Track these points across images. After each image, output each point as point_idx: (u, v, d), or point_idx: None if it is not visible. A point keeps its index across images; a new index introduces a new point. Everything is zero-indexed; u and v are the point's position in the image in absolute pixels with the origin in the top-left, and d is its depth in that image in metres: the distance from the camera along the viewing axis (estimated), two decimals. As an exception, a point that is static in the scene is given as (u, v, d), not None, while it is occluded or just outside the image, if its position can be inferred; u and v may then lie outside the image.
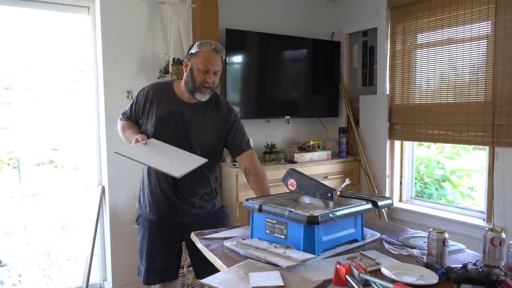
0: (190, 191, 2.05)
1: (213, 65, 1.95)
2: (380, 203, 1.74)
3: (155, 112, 2.01)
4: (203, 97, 1.98)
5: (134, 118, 2.14)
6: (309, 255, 1.49)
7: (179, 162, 1.88)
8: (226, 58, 2.09)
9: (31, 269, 2.94)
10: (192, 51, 1.98)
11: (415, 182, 3.63)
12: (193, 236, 1.85)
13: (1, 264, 2.86)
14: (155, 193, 2.05)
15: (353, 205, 1.66)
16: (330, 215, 1.53)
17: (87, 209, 3.06)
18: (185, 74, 2.01)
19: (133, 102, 2.12)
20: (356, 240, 1.71)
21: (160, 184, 2.04)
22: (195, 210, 2.08)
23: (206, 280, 1.37)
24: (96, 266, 3.06)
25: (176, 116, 2.00)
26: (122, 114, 2.20)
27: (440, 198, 3.67)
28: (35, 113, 2.97)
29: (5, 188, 2.87)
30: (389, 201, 1.81)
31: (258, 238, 1.69)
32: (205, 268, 1.72)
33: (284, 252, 1.52)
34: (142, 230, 2.14)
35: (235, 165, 3.14)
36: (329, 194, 1.60)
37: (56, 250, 3.05)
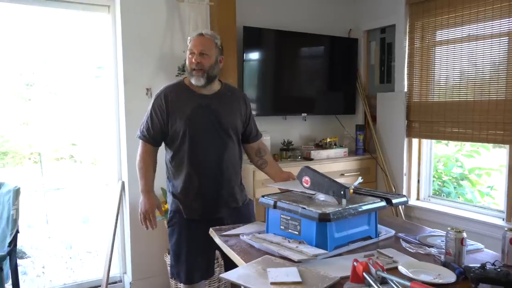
0: (233, 183, 2.13)
1: (196, 45, 2.01)
2: (394, 201, 1.75)
3: (181, 111, 2.02)
4: (198, 81, 2.01)
5: (158, 130, 2.05)
6: (321, 251, 1.52)
7: None
8: (220, 43, 2.08)
9: (54, 261, 3.03)
10: None
11: (433, 181, 3.59)
12: (211, 232, 1.89)
13: (26, 255, 2.96)
14: (201, 192, 2.05)
15: (366, 203, 1.68)
16: (342, 212, 1.55)
17: (107, 203, 3.13)
18: None
19: (151, 115, 2.06)
20: (370, 237, 1.72)
21: (206, 184, 2.05)
22: (234, 203, 2.14)
23: (226, 275, 1.40)
24: (116, 259, 3.13)
25: (203, 109, 2.03)
26: (142, 135, 2.09)
27: (459, 197, 3.63)
28: (55, 108, 3.04)
29: (27, 182, 2.95)
30: (404, 199, 1.81)
31: (273, 233, 1.73)
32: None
33: (297, 247, 1.55)
34: (178, 230, 2.10)
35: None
36: (342, 192, 1.62)
37: (77, 243, 3.13)
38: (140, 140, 2.11)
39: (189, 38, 2.10)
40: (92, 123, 3.16)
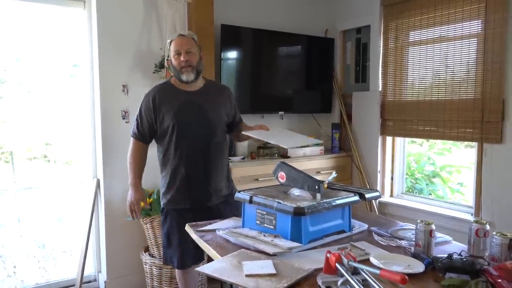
0: (220, 174, 2.26)
1: (181, 45, 2.16)
2: (367, 195, 1.79)
3: (168, 109, 2.16)
4: (188, 77, 2.15)
5: (147, 128, 2.21)
6: (295, 244, 1.55)
7: (289, 140, 2.25)
8: (197, 40, 2.25)
9: (26, 261, 2.96)
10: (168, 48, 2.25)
11: (406, 178, 3.69)
12: (187, 227, 1.90)
13: (-4, 255, 2.88)
14: (189, 183, 2.19)
15: (340, 197, 1.72)
16: (317, 206, 1.58)
17: (82, 202, 3.08)
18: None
19: (140, 114, 2.21)
20: (343, 231, 1.76)
21: (194, 174, 2.19)
22: (221, 193, 2.26)
23: (201, 269, 1.41)
24: (91, 258, 3.08)
25: (189, 104, 2.18)
26: (133, 133, 2.26)
27: (430, 194, 3.73)
28: (28, 107, 2.97)
29: (-2, 182, 2.89)
30: (376, 193, 1.86)
31: (249, 228, 1.75)
32: None
33: (272, 240, 1.58)
34: (170, 219, 2.24)
35: (229, 159, 3.18)
36: (316, 187, 1.66)
37: (51, 242, 3.07)
38: (132, 138, 2.27)
39: (168, 40, 2.24)
40: (67, 122, 3.10)
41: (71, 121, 3.10)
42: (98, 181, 3.01)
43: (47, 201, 3.06)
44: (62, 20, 2.98)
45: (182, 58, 2.13)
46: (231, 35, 3.36)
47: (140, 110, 2.21)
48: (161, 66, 3.00)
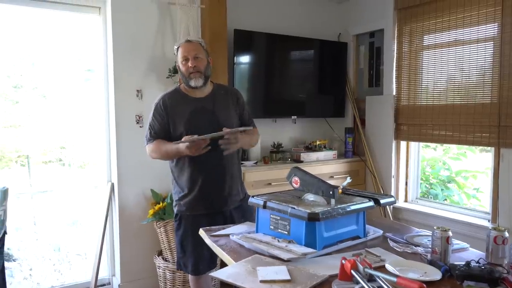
0: (235, 179, 2.25)
1: (188, 51, 2.15)
2: (382, 201, 1.77)
3: (180, 115, 2.15)
4: (197, 82, 2.14)
5: (162, 132, 2.17)
6: (310, 250, 1.54)
7: None
8: (205, 45, 2.23)
9: (42, 263, 3.00)
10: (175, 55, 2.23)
11: (421, 183, 3.64)
12: (201, 232, 1.90)
13: (13, 258, 2.92)
14: (206, 189, 2.17)
15: (354, 203, 1.70)
16: (331, 212, 1.57)
17: (96, 206, 3.11)
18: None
19: (152, 121, 2.18)
20: (358, 237, 1.74)
21: (210, 180, 2.17)
22: (236, 197, 2.26)
23: (215, 274, 1.41)
24: (105, 261, 3.11)
25: (200, 111, 2.17)
26: (147, 140, 2.20)
27: (446, 199, 3.68)
28: (44, 111, 3.01)
29: (15, 185, 2.92)
30: (391, 199, 1.84)
31: (263, 233, 1.74)
32: None
33: (286, 246, 1.57)
34: (184, 225, 2.22)
35: (242, 163, 3.19)
36: (331, 192, 1.65)
37: (66, 245, 3.10)
38: (147, 145, 2.21)
39: (175, 46, 2.23)
40: (82, 126, 3.14)
41: (85, 125, 3.14)
42: (112, 185, 3.03)
43: (62, 205, 3.10)
44: (77, 25, 3.03)
45: (190, 64, 2.12)
46: (244, 40, 3.38)
47: (152, 118, 2.18)
48: (175, 71, 3.01)
